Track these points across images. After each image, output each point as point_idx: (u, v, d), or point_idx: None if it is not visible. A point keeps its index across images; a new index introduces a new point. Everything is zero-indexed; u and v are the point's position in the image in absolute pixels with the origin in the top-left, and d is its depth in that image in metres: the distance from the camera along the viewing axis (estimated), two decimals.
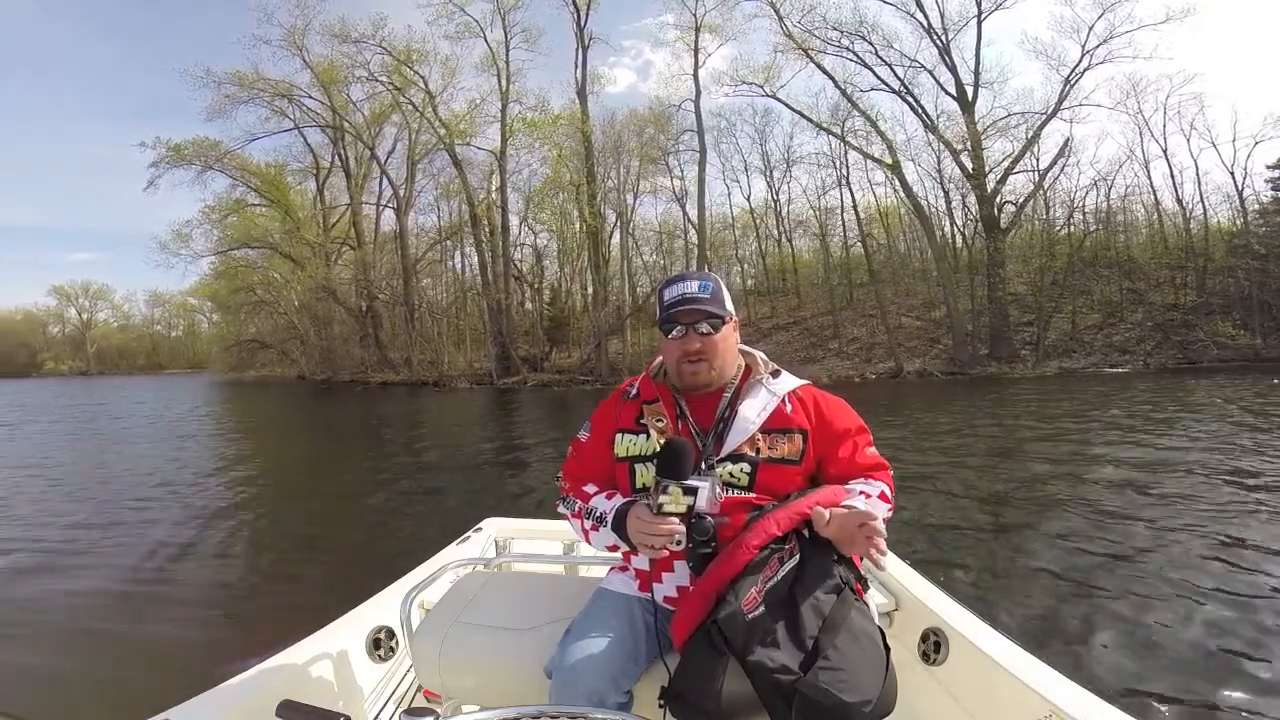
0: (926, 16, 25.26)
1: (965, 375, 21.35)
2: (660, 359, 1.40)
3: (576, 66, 28.68)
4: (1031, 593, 3.30)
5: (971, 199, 25.83)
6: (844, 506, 1.16)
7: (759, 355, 1.39)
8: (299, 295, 35.39)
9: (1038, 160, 25.73)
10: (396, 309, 34.20)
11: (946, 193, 27.27)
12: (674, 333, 1.29)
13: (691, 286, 1.28)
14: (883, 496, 1.26)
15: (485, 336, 30.83)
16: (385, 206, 35.39)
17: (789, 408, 1.29)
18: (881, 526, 1.09)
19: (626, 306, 30.14)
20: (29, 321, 75.01)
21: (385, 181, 34.15)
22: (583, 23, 28.20)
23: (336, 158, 34.47)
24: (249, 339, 41.12)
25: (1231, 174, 24.38)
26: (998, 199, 24.82)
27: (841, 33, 25.97)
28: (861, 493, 1.24)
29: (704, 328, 1.27)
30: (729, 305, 1.31)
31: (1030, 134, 24.82)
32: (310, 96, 31.07)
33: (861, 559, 1.23)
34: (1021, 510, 4.86)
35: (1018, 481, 5.81)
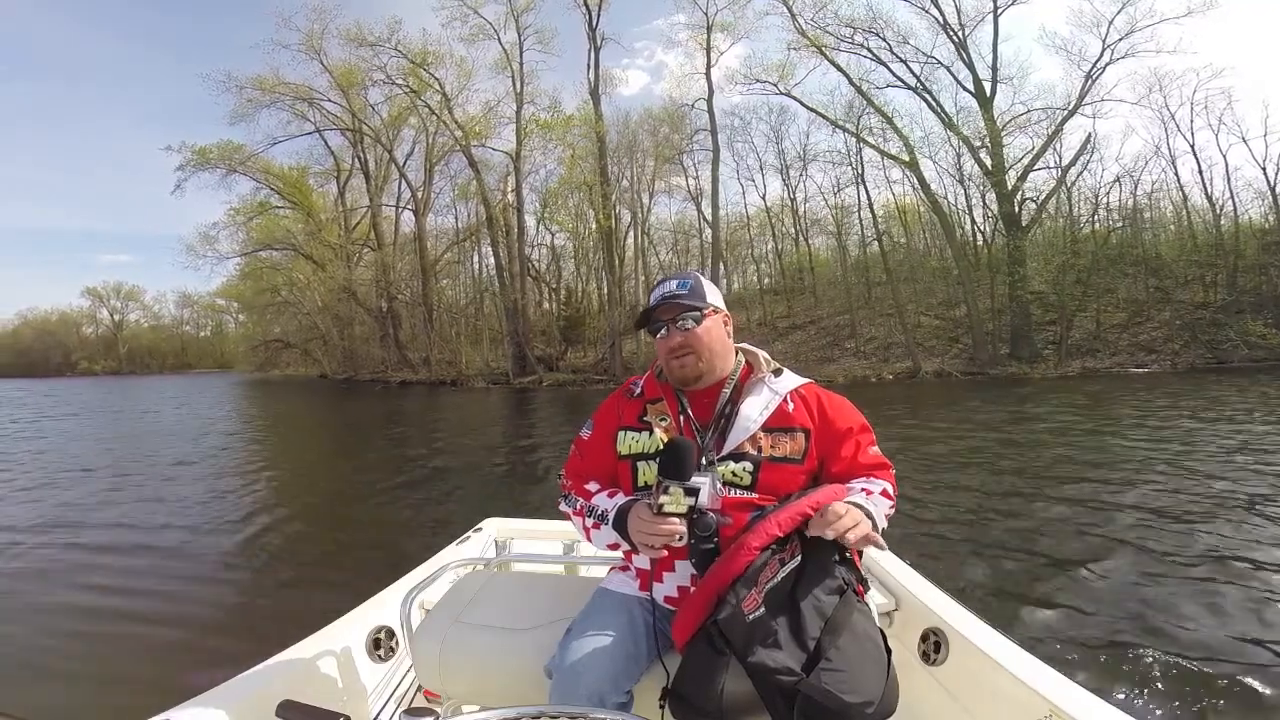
0: (942, 12, 24.87)
1: (985, 375, 20.99)
2: None
3: (589, 67, 28.77)
4: (1034, 591, 3.27)
5: (991, 196, 25.40)
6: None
7: (761, 354, 1.39)
8: (321, 296, 36.04)
9: (1059, 156, 25.24)
10: (415, 309, 34.62)
11: (966, 190, 26.90)
12: (660, 333, 1.31)
13: (670, 286, 1.32)
14: (884, 494, 1.25)
15: (502, 336, 31.07)
16: (404, 208, 35.88)
17: (791, 406, 1.29)
18: (860, 528, 1.07)
19: (641, 307, 30.07)
20: (64, 322, 77.11)
21: (404, 184, 34.62)
22: (594, 24, 28.26)
23: (356, 160, 35.02)
24: (273, 339, 41.93)
25: (1263, 169, 23.55)
26: (1018, 196, 24.35)
27: (855, 29, 25.70)
28: (863, 490, 1.23)
29: (685, 322, 1.29)
30: (712, 299, 1.33)
31: (1051, 130, 24.33)
32: (329, 100, 31.60)
33: (861, 556, 1.26)
34: (1030, 511, 4.78)
35: (1026, 482, 5.71)
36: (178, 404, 21.61)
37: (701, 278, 1.35)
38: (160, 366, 74.21)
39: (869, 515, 1.13)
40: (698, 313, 1.29)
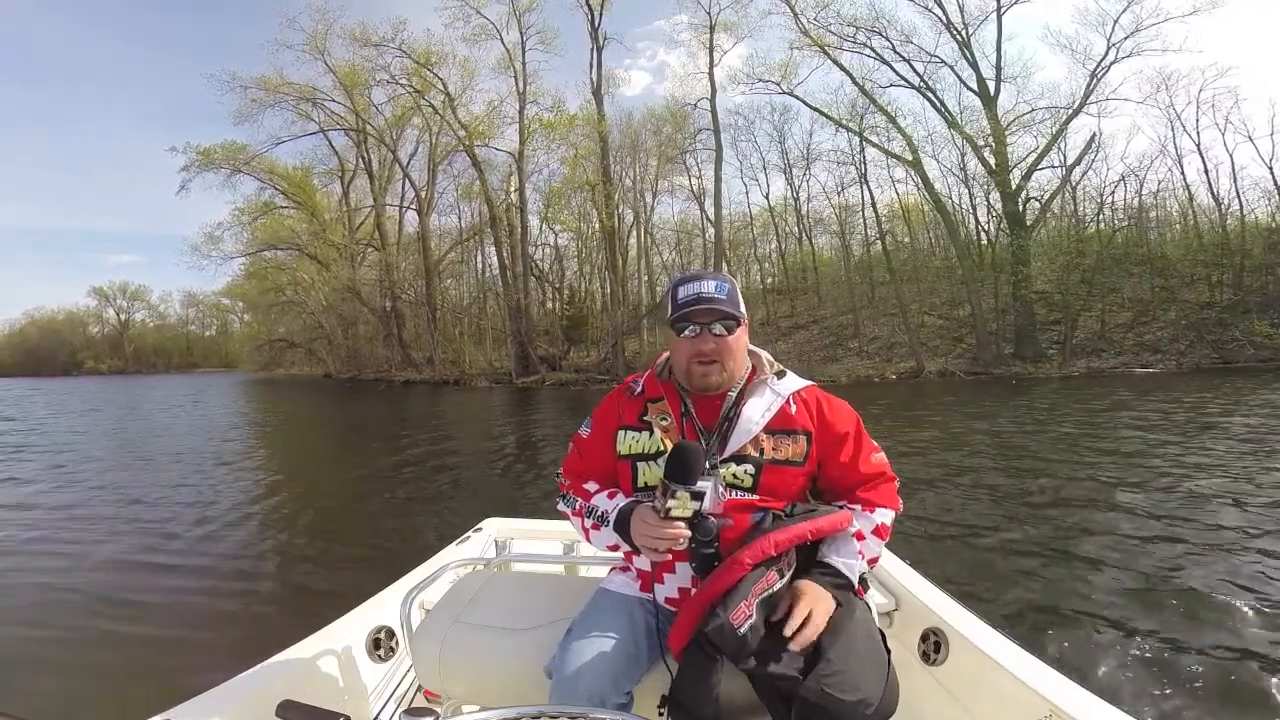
0: (945, 11, 24.82)
1: (989, 375, 20.92)
2: (665, 356, 1.39)
3: (591, 67, 28.81)
4: (1033, 591, 3.26)
5: (995, 195, 25.31)
6: (826, 569, 1.17)
7: (764, 355, 1.38)
8: (325, 296, 36.16)
9: (1064, 156, 25.15)
10: (419, 309, 34.70)
11: (970, 189, 26.83)
12: (687, 332, 1.26)
13: (708, 286, 1.25)
14: (878, 531, 1.25)
15: (505, 336, 31.13)
16: (408, 208, 36.00)
17: (793, 409, 1.28)
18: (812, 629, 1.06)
19: (644, 306, 30.20)
20: (70, 321, 77.53)
21: (407, 183, 34.65)
22: (597, 24, 28.31)
23: (360, 160, 35.10)
24: (278, 338, 42.14)
25: (1269, 168, 23.38)
26: (1022, 195, 24.27)
27: (858, 29, 25.67)
28: (857, 535, 1.23)
29: (718, 328, 1.25)
30: (743, 307, 1.30)
31: (1055, 129, 24.23)
32: (333, 100, 31.67)
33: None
34: (1030, 510, 4.76)
35: (1026, 481, 5.69)
36: (183, 403, 21.67)
37: (735, 283, 1.31)
38: (166, 366, 74.57)
39: (846, 584, 1.16)
40: (733, 322, 1.26)
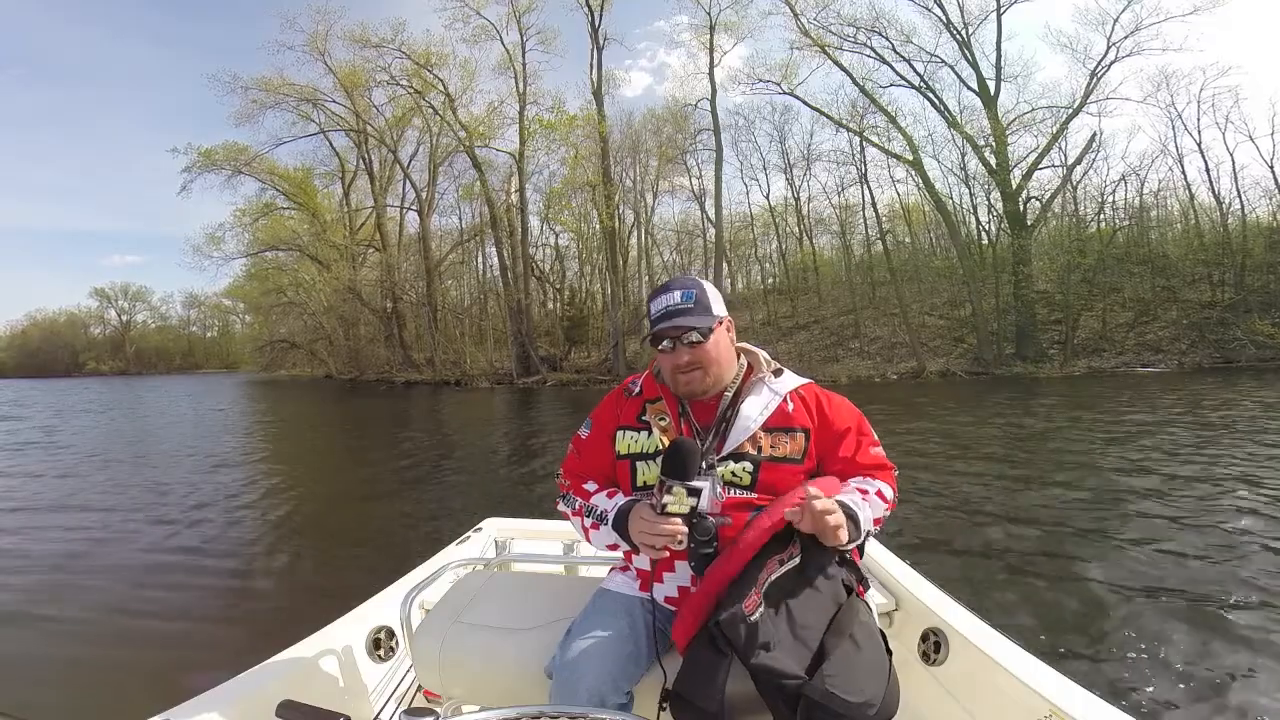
0: (945, 11, 24.85)
1: (990, 375, 20.92)
2: None
3: (592, 68, 28.85)
4: (1032, 590, 3.25)
5: (996, 195, 25.30)
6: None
7: (761, 354, 1.37)
8: (326, 297, 36.17)
9: (1064, 155, 25.15)
10: (420, 310, 34.73)
11: (970, 189, 26.81)
12: (663, 346, 1.27)
13: (674, 297, 1.26)
14: (880, 495, 1.24)
15: (506, 336, 31.17)
16: (408, 209, 36.05)
17: (791, 406, 1.28)
18: (835, 515, 1.06)
19: (644, 309, 30.14)
20: (71, 323, 77.48)
21: (408, 184, 34.71)
22: (597, 24, 28.37)
23: (361, 161, 35.17)
24: (279, 339, 42.09)
25: (1270, 168, 23.38)
26: (1023, 195, 24.27)
27: (858, 29, 25.72)
28: (858, 489, 1.21)
29: (692, 338, 1.25)
30: (716, 308, 1.29)
31: (1056, 128, 24.23)
32: (334, 101, 31.75)
33: (862, 555, 1.25)
34: (1031, 510, 4.75)
35: (1029, 481, 5.69)
36: (185, 404, 21.70)
37: (704, 283, 1.31)
38: (167, 367, 74.51)
39: (851, 515, 1.12)
40: (706, 327, 1.26)
